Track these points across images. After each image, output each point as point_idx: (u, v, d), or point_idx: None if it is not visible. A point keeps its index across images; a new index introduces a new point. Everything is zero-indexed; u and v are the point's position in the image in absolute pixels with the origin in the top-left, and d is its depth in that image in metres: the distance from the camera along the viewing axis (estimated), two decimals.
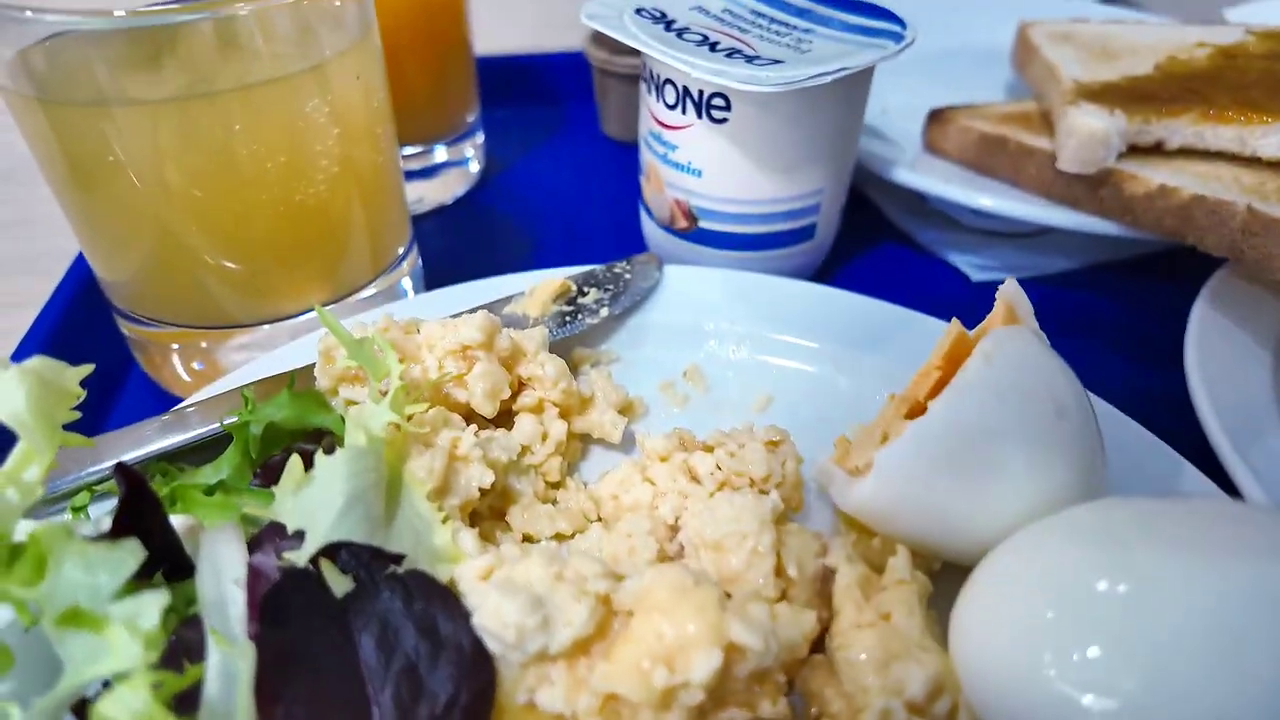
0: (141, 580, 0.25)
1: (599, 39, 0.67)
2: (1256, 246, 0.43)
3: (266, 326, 0.43)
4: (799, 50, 0.43)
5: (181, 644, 0.26)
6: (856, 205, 0.62)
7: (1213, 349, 0.43)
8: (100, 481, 0.34)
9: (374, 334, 0.33)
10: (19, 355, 0.43)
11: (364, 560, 0.27)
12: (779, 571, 0.31)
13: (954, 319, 0.34)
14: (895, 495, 0.30)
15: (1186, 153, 0.50)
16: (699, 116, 0.45)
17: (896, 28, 0.46)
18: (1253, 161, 0.49)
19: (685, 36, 0.44)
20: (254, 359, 0.41)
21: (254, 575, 0.26)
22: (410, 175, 0.62)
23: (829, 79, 0.40)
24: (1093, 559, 0.26)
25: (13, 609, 0.26)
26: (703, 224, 0.49)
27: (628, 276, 0.47)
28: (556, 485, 0.37)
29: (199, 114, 0.36)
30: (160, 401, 0.45)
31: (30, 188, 0.68)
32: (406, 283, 0.49)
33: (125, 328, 0.45)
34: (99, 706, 0.23)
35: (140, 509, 0.27)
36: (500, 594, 0.26)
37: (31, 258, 0.59)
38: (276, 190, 0.39)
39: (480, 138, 0.67)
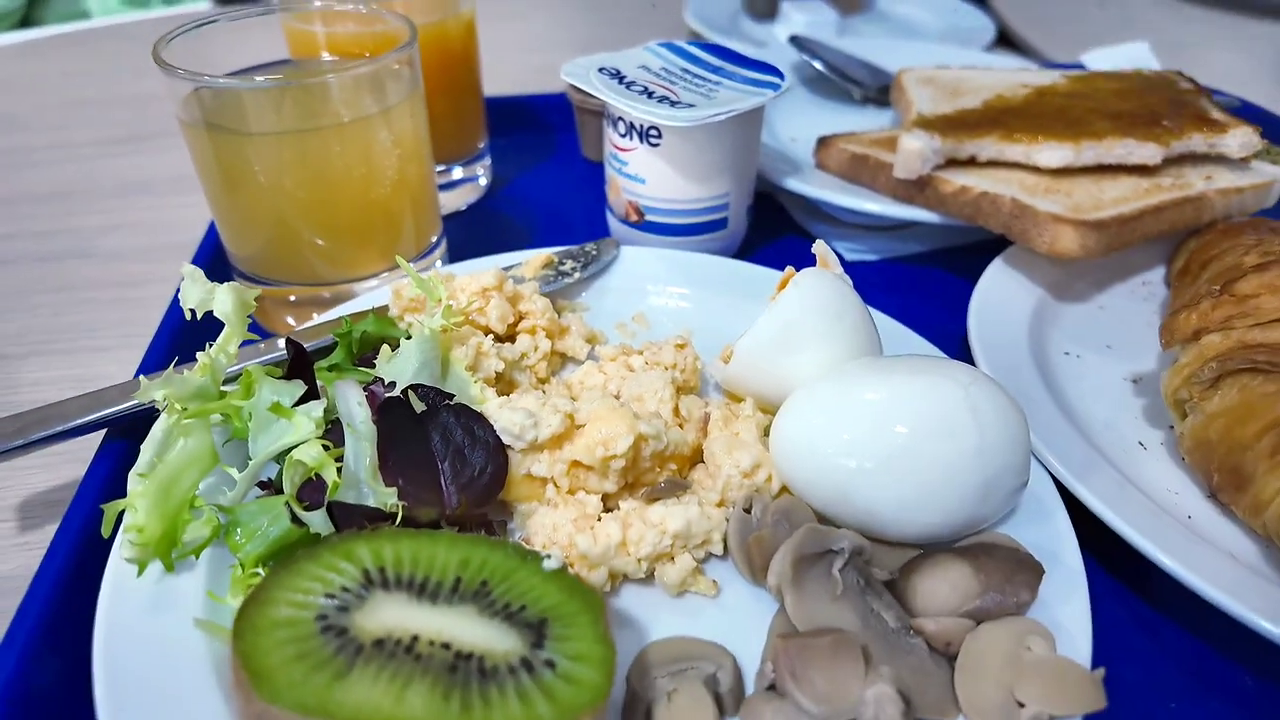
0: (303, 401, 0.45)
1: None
2: (1017, 226, 0.63)
3: (346, 284, 0.62)
4: (708, 97, 0.64)
5: (327, 438, 0.45)
6: (768, 206, 0.82)
7: (991, 297, 0.63)
8: (260, 364, 0.53)
9: (431, 275, 0.53)
10: (173, 308, 0.63)
11: (431, 394, 0.46)
12: (677, 413, 0.50)
13: (788, 266, 0.54)
14: (742, 370, 0.50)
15: (993, 163, 0.71)
16: (641, 142, 0.65)
17: (779, 80, 0.66)
18: (1034, 169, 0.69)
19: (632, 88, 0.65)
20: (336, 307, 0.61)
21: (371, 396, 0.45)
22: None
23: (721, 117, 0.61)
24: (844, 384, 0.45)
25: (225, 430, 0.45)
26: (648, 218, 0.69)
27: (594, 252, 0.67)
28: (544, 380, 0.57)
29: (306, 141, 0.56)
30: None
31: (136, 200, 0.88)
32: (439, 262, 0.69)
33: (239, 281, 0.64)
34: (294, 454, 0.42)
35: (301, 365, 0.47)
36: (510, 409, 0.46)
37: (145, 249, 0.79)
38: (357, 192, 0.59)
39: (488, 159, 0.87)
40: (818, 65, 0.94)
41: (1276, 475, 0.44)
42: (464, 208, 0.85)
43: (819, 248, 0.54)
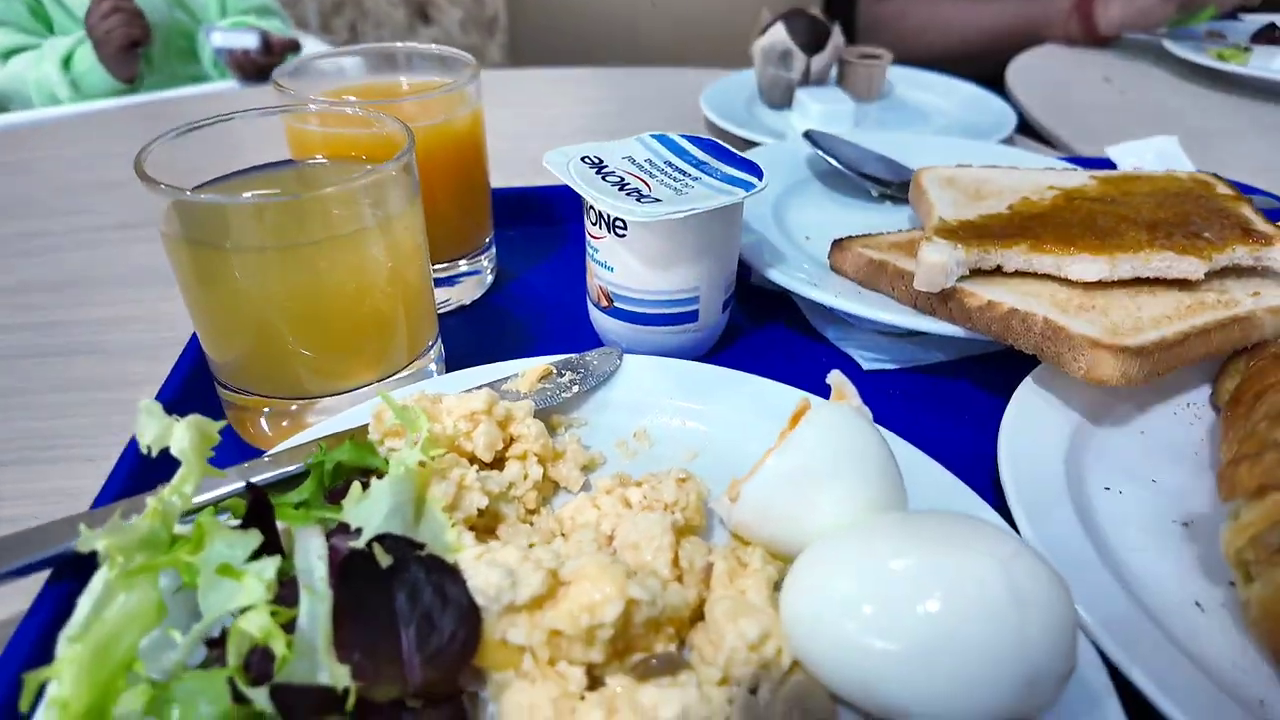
0: (259, 554, 0.40)
1: None
2: (1050, 348, 0.58)
3: (330, 398, 0.59)
4: (680, 193, 0.62)
5: (282, 597, 0.41)
6: (783, 308, 0.78)
7: (1023, 422, 0.58)
8: (221, 500, 0.49)
9: (412, 403, 0.49)
10: None
11: (400, 546, 0.42)
12: (676, 564, 0.45)
13: (802, 396, 0.49)
14: (751, 515, 0.45)
15: (1020, 274, 0.67)
16: (609, 232, 0.65)
17: (755, 181, 0.64)
18: (1066, 282, 0.65)
19: (608, 179, 0.64)
20: (321, 421, 0.57)
21: (333, 551, 0.41)
22: (439, 282, 0.80)
23: (682, 215, 0.59)
24: (866, 547, 0.40)
25: (175, 575, 0.41)
26: (616, 304, 0.68)
27: (594, 363, 0.63)
28: (534, 512, 0.52)
29: (294, 257, 0.53)
30: (245, 454, 0.60)
31: (149, 289, 0.86)
32: (432, 366, 0.65)
33: (225, 395, 0.61)
34: (238, 624, 0.37)
35: (260, 512, 0.42)
36: (485, 565, 0.41)
37: (150, 346, 0.76)
38: (347, 305, 0.56)
39: (494, 251, 0.84)
40: (832, 161, 0.91)
41: None
42: (469, 302, 0.82)
43: (835, 378, 0.49)
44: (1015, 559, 0.38)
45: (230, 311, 0.55)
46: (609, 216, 0.64)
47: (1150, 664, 0.41)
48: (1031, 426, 0.58)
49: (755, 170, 0.66)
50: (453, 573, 0.42)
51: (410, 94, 0.69)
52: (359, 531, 0.42)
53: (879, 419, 0.57)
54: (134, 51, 1.80)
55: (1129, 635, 0.42)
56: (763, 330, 0.77)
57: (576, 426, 0.61)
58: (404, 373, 0.62)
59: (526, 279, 0.86)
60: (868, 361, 0.71)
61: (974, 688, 0.36)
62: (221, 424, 0.45)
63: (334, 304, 0.55)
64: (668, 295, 0.66)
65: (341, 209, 0.53)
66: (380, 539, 0.42)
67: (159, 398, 0.61)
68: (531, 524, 0.51)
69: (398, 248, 0.57)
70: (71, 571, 0.46)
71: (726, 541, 0.50)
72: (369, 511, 0.43)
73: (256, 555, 0.40)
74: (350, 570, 0.40)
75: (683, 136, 0.72)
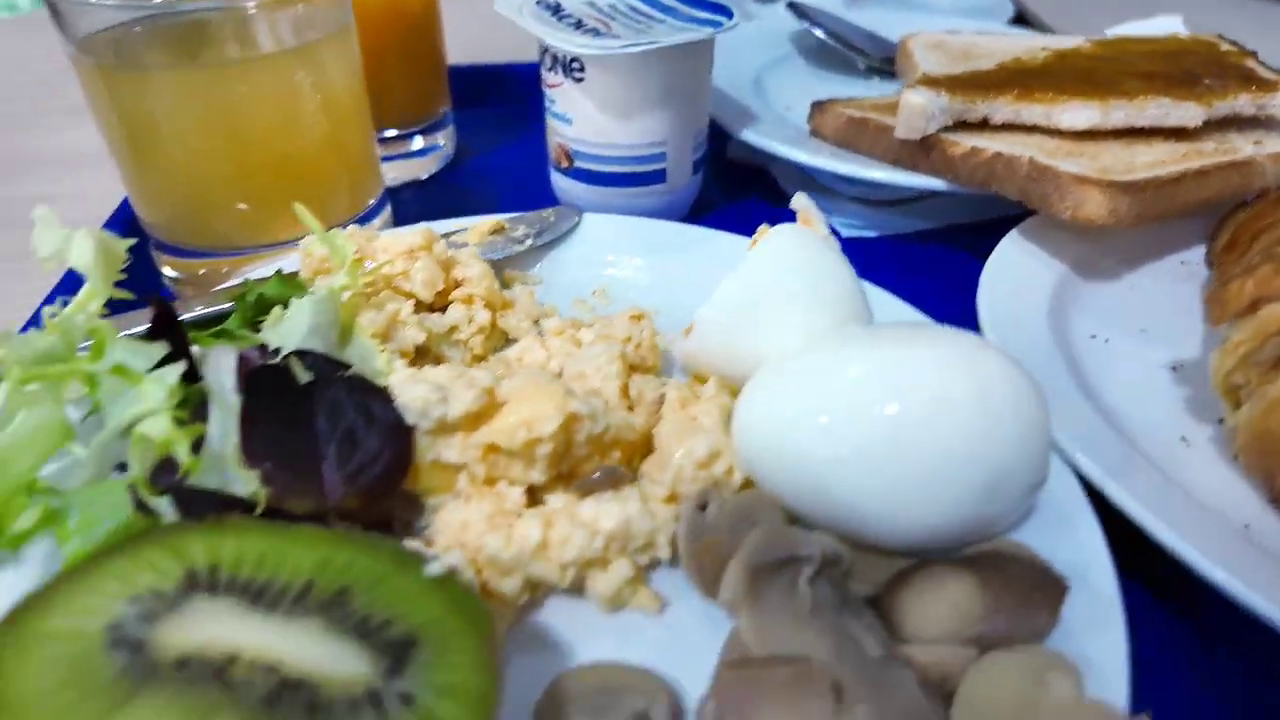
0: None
1: None
2: (1036, 190, 0.55)
3: (264, 254, 0.55)
4: (641, 32, 0.57)
5: (193, 415, 0.37)
6: (760, 183, 0.74)
7: (1004, 273, 0.54)
8: None
9: (341, 231, 0.45)
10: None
11: (320, 363, 0.39)
12: (625, 394, 0.42)
13: (763, 224, 0.46)
14: (703, 344, 0.42)
15: (1008, 126, 0.62)
16: (565, 77, 0.59)
17: (724, 19, 0.59)
18: (1055, 131, 0.61)
19: (564, 20, 0.59)
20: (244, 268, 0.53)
21: (244, 362, 0.37)
22: (393, 156, 0.75)
23: (640, 49, 0.55)
24: (821, 357, 0.37)
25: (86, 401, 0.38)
26: (578, 163, 0.64)
27: (552, 219, 0.59)
28: (481, 358, 0.49)
29: (212, 79, 0.49)
30: None
31: (82, 172, 0.81)
32: (378, 226, 0.61)
33: (160, 260, 0.57)
34: (138, 429, 0.34)
35: (165, 326, 0.39)
36: (415, 383, 0.38)
37: (83, 221, 0.72)
38: (272, 141, 0.52)
39: (451, 128, 0.80)
40: (818, 33, 0.86)
41: None
42: (425, 177, 0.78)
43: (799, 201, 0.46)
44: (983, 354, 0.35)
45: (150, 147, 0.51)
46: (565, 58, 0.59)
47: (1132, 484, 0.38)
48: (1014, 279, 0.54)
49: (725, 11, 0.61)
50: (380, 393, 0.38)
51: None
52: (277, 352, 0.39)
53: None
54: None
55: (1111, 459, 0.39)
56: (737, 203, 0.73)
57: (532, 284, 0.57)
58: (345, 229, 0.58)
59: (490, 156, 0.81)
60: (847, 229, 0.68)
61: (931, 487, 0.33)
62: (129, 241, 0.42)
63: (258, 137, 0.51)
64: (632, 150, 0.62)
65: (261, 28, 0.49)
66: (299, 355, 0.38)
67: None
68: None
69: (329, 79, 0.52)
70: None
71: (685, 381, 0.47)
72: (288, 330, 0.40)
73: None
74: (263, 382, 0.37)
75: None
